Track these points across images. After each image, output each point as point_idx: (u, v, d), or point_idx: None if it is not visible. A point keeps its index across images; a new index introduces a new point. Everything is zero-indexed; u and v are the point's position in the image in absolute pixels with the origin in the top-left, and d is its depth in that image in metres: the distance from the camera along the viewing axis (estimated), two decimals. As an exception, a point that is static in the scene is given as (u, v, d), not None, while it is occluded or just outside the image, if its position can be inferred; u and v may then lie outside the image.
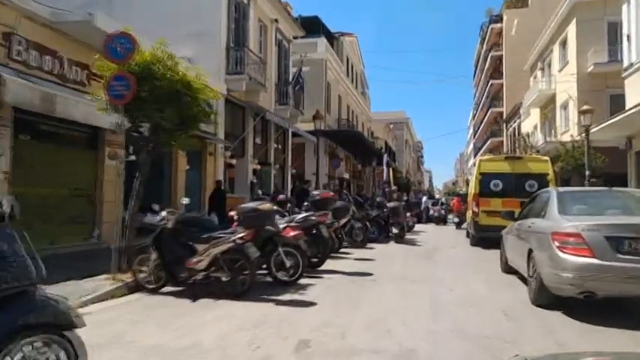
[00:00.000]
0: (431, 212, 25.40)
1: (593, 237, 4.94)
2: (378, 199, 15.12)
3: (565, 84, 24.89)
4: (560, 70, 26.18)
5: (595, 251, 4.89)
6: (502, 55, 41.06)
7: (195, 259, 6.09)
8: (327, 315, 5.22)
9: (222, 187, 13.25)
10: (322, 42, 26.19)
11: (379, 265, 9.13)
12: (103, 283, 6.42)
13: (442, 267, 9.17)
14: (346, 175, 30.79)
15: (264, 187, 17.62)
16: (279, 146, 20.64)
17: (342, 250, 11.23)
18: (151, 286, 6.45)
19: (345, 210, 9.98)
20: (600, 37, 23.36)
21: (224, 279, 6.06)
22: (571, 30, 24.71)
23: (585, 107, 15.17)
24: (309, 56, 25.23)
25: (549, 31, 27.90)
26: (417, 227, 20.09)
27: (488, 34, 44.48)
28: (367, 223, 13.67)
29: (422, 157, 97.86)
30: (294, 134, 21.33)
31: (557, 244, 5.16)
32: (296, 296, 6.17)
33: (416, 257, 10.53)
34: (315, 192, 8.39)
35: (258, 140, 18.16)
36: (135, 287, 6.52)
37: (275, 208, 9.84)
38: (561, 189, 7.03)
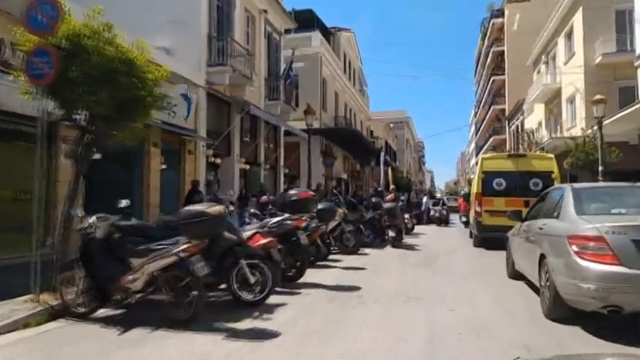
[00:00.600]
0: (432, 213, 24.02)
1: (619, 241, 4.19)
2: (373, 200, 13.78)
3: (571, 77, 23.51)
4: (566, 63, 24.78)
5: (621, 258, 4.14)
6: (504, 51, 39.69)
7: (129, 277, 4.79)
8: (289, 354, 3.91)
9: (199, 189, 11.95)
10: (317, 36, 24.91)
11: (369, 277, 7.81)
12: (20, 307, 5.12)
13: (442, 277, 7.83)
14: (344, 175, 29.46)
15: (254, 187, 16.35)
16: (271, 145, 19.34)
17: (331, 257, 9.93)
18: (81, 310, 5.14)
19: (332, 212, 8.67)
20: (608, 26, 22.00)
21: (166, 301, 4.76)
22: (577, 20, 23.33)
23: (598, 97, 13.82)
24: (303, 51, 23.97)
25: (553, 23, 26.53)
26: (418, 229, 18.76)
27: (489, 29, 43.08)
28: (361, 226, 12.37)
29: (423, 156, 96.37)
30: (288, 133, 20.02)
31: (575, 249, 4.41)
32: (258, 323, 4.85)
33: (413, 265, 9.19)
34: (292, 191, 7.06)
35: (246, 138, 16.86)
36: (63, 311, 5.23)
37: (252, 210, 8.60)
38: (576, 185, 6.06)
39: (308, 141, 16.68)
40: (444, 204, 24.83)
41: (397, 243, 12.28)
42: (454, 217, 25.84)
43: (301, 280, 7.01)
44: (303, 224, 7.08)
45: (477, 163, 18.65)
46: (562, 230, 4.79)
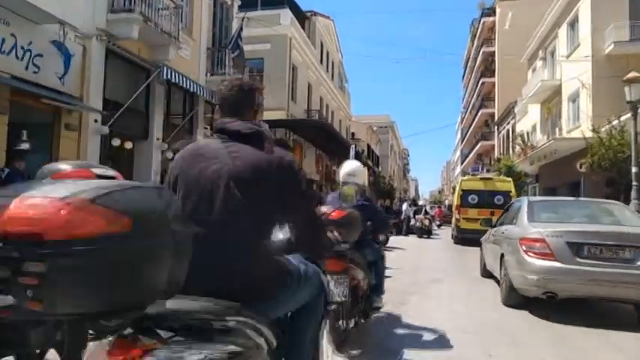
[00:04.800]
0: (412, 222, 20.03)
1: (556, 242, 4.98)
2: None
3: (575, 70, 19.84)
4: (569, 56, 21.11)
5: (557, 255, 4.93)
6: (494, 52, 36.19)
7: None
8: None
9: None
10: (287, 14, 20.92)
11: None
12: None
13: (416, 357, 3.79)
14: (316, 177, 25.45)
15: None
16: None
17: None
18: None
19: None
20: (620, 10, 18.37)
21: None
22: (584, 5, 19.71)
23: (632, 74, 10.02)
24: (270, 31, 20.07)
25: (554, 13, 22.93)
26: (394, 241, 14.78)
27: (479, 29, 39.57)
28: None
29: (408, 164, 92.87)
30: None
31: (524, 248, 5.22)
32: None
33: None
34: (50, 167, 3.06)
35: (176, 120, 12.78)
36: None
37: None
38: (532, 198, 7.06)
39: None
40: (426, 212, 20.83)
41: (356, 265, 8.16)
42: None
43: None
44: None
45: (454, 187, 23.94)
46: (516, 234, 5.61)
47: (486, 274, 7.62)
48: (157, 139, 11.55)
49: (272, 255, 1.70)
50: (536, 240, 5.07)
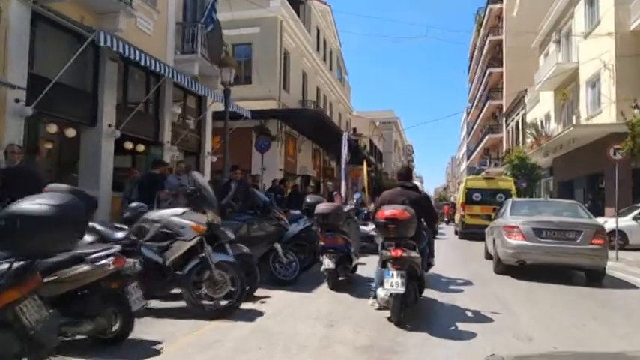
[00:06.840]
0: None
1: (526, 228, 7.38)
2: (308, 200, 7.71)
3: (595, 50, 17.58)
4: (587, 35, 18.84)
5: (526, 236, 7.31)
6: (502, 40, 33.88)
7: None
8: None
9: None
10: (276, -5, 18.85)
11: None
12: None
13: None
14: (312, 172, 23.38)
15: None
16: (189, 121, 13.27)
17: (148, 333, 3.85)
18: None
19: (58, 231, 2.56)
20: (648, -18, 16.12)
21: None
22: (605, -22, 17.47)
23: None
24: (263, 13, 18.08)
25: (569, -10, 20.67)
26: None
27: (486, 16, 37.22)
28: (278, 248, 6.37)
29: (412, 161, 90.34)
30: (239, 116, 13.59)
31: (505, 232, 7.59)
32: None
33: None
34: None
35: (133, 104, 10.73)
36: None
37: None
38: (516, 200, 10.34)
39: (225, 117, 10.41)
40: (431, 209, 18.71)
41: (337, 279, 6.16)
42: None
43: None
44: None
45: (459, 183, 25.47)
46: (502, 223, 8.05)
47: (488, 256, 9.55)
48: (109, 125, 9.53)
49: (422, 228, 5.16)
50: (513, 227, 7.52)
